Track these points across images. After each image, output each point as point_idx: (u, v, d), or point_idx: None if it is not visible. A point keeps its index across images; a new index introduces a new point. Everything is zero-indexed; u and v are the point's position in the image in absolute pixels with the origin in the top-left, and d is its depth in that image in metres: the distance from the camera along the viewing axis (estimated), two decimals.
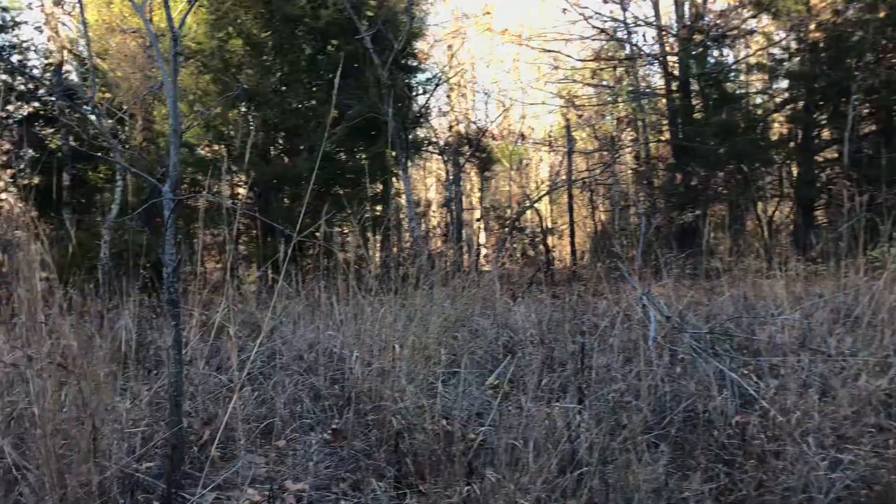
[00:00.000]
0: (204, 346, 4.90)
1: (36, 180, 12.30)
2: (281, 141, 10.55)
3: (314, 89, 9.99)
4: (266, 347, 5.38)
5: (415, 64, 12.71)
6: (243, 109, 10.19)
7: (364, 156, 10.40)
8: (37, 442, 3.28)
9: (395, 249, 10.53)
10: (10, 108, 11.71)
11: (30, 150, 11.87)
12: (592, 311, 7.27)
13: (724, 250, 10.12)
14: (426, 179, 22.06)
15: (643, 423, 3.83)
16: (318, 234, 8.12)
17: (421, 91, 13.21)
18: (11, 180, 12.27)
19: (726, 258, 8.87)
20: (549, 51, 14.61)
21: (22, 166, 11.99)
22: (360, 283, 6.71)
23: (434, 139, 14.07)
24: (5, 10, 10.70)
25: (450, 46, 16.61)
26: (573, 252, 16.52)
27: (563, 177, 15.70)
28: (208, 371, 4.69)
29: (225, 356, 5.17)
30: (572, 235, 16.57)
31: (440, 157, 14.95)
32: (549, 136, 17.08)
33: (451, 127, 15.26)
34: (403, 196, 9.58)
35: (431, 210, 19.44)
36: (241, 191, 10.28)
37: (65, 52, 10.81)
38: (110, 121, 9.34)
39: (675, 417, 4.14)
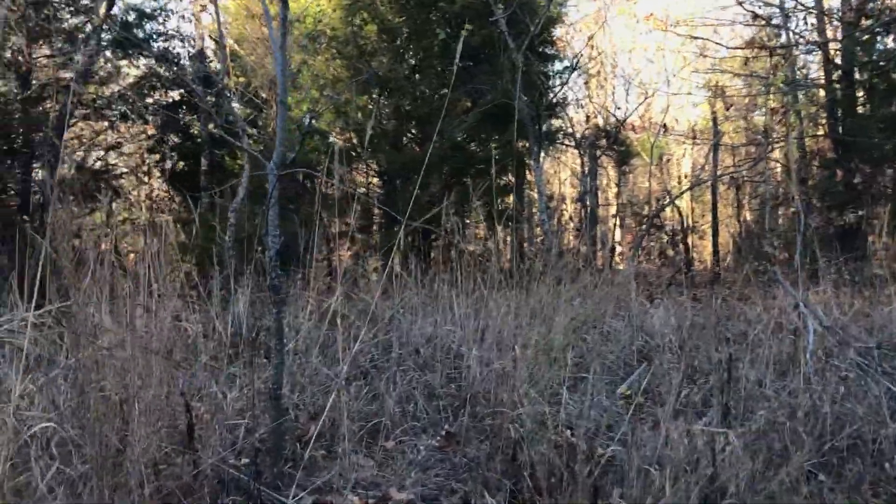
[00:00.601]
0: (319, 335, 4.69)
1: (180, 165, 12.77)
2: (412, 129, 10.36)
3: (446, 76, 9.72)
4: (381, 339, 5.13)
5: (552, 51, 12.23)
6: (375, 96, 10.04)
7: (495, 145, 10.04)
8: (137, 430, 3.13)
9: (524, 244, 10.16)
10: (157, 95, 12.17)
11: (173, 137, 12.32)
12: (739, 318, 6.62)
13: (891, 255, 9.10)
14: (560, 173, 21.52)
15: (800, 450, 3.27)
16: (445, 224, 7.84)
17: (557, 80, 12.72)
18: (156, 165, 12.81)
19: (893, 264, 7.94)
20: (697, 38, 13.73)
21: (166, 152, 12.51)
22: (484, 276, 6.40)
23: (570, 130, 13.54)
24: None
25: (591, 37, 16.05)
26: (716, 253, 15.55)
27: (708, 172, 14.77)
28: (322, 361, 4.47)
29: (343, 344, 4.96)
30: (715, 235, 15.61)
31: (576, 149, 14.41)
32: (694, 129, 16.12)
33: (587, 118, 14.67)
34: (535, 188, 9.15)
35: (564, 204, 18.92)
36: (372, 179, 10.20)
37: (206, 39, 11.06)
38: (236, 107, 9.42)
39: (838, 444, 3.58)
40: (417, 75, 9.87)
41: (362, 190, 10.74)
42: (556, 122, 13.41)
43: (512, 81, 8.52)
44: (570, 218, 14.08)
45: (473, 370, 4.55)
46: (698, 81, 15.57)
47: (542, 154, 9.69)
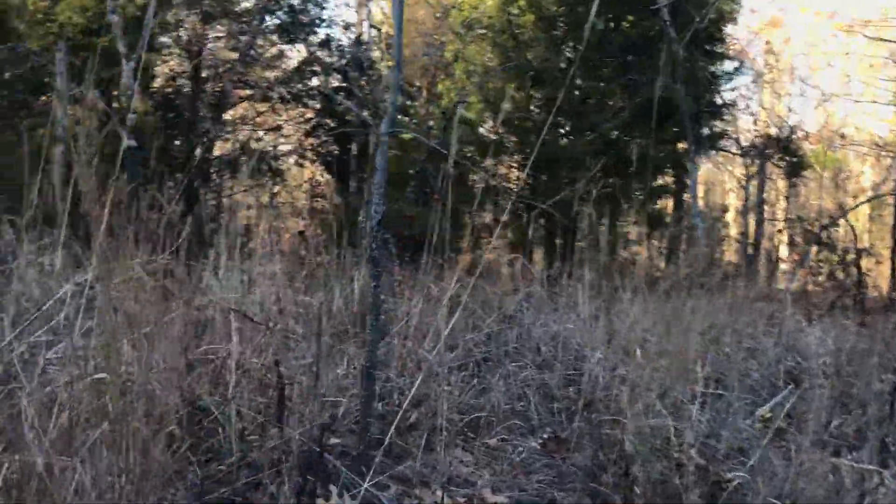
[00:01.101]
0: (434, 322, 4.49)
1: (334, 150, 13.02)
2: (563, 122, 10.00)
3: (602, 69, 9.31)
4: (500, 332, 4.87)
5: (720, 49, 11.48)
6: (526, 86, 9.76)
7: (650, 143, 9.51)
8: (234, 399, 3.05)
9: (676, 249, 9.55)
10: (317, 80, 12.44)
11: (329, 121, 12.55)
12: None
13: None
14: (724, 181, 20.38)
15: None
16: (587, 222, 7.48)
17: (725, 81, 11.96)
18: (313, 149, 13.14)
19: None
20: (887, 40, 12.49)
21: (321, 136, 12.80)
22: (627, 279, 6.03)
23: (735, 136, 12.70)
24: None
25: (768, 42, 15.07)
26: (894, 278, 14.13)
27: (889, 188, 13.43)
28: (434, 348, 4.26)
29: (459, 334, 4.74)
30: (894, 258, 14.18)
31: (742, 157, 13.52)
32: (878, 140, 14.72)
33: (755, 122, 13.71)
34: (691, 193, 8.58)
35: (726, 215, 17.87)
36: (517, 173, 9.93)
37: (365, 25, 11.19)
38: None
39: None
40: (571, 67, 9.50)
41: (509, 184, 10.52)
42: (720, 125, 12.64)
43: (672, 76, 8.01)
44: (729, 228, 13.21)
45: (595, 373, 4.22)
46: (887, 88, 14.19)
47: (701, 156, 9.06)
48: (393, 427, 3.37)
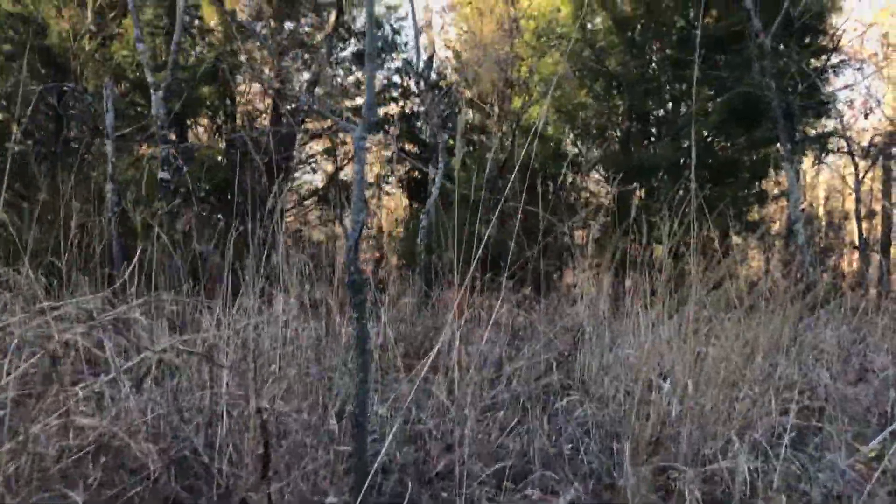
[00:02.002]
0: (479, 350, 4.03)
1: (415, 174, 12.78)
2: (648, 129, 9.38)
3: (688, 69, 8.64)
4: (566, 360, 4.36)
5: (824, 43, 10.56)
6: (604, 93, 9.20)
7: (744, 145, 8.78)
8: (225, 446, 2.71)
9: (776, 261, 8.75)
10: (394, 106, 12.26)
11: (409, 146, 12.32)
12: None
13: None
14: (843, 186, 18.93)
15: None
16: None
17: (829, 77, 10.99)
18: (390, 174, 12.95)
19: None
20: None
21: (397, 160, 12.58)
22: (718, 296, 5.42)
23: (844, 134, 11.66)
24: (390, 8, 11.10)
25: (885, 34, 13.95)
26: None
27: None
28: (476, 381, 3.79)
29: (515, 361, 4.27)
30: None
31: (860, 157, 12.40)
32: None
33: (866, 115, 12.56)
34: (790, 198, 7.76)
35: (843, 220, 16.51)
36: (593, 186, 9.38)
37: (436, 45, 10.92)
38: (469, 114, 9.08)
39: None
40: (653, 70, 8.88)
41: (600, 199, 9.95)
42: (828, 124, 11.65)
43: (760, 71, 7.30)
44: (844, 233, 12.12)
45: (668, 406, 3.66)
46: None
47: (799, 156, 8.23)
48: (419, 480, 2.95)
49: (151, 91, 4.87)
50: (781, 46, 8.68)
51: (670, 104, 9.26)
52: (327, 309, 4.45)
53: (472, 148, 9.64)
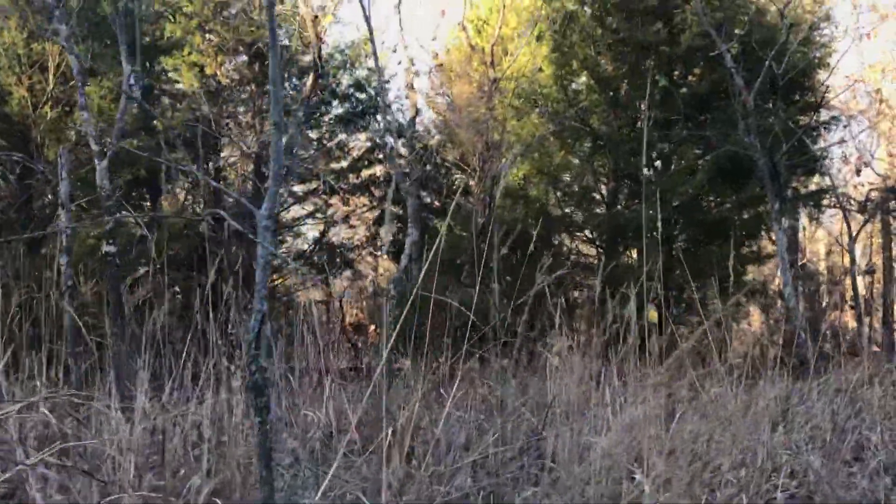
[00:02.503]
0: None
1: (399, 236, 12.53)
2: (630, 188, 9.17)
3: (671, 128, 8.46)
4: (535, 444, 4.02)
5: (811, 99, 10.43)
6: (586, 153, 9.01)
7: (734, 205, 8.55)
8: None
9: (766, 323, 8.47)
10: (378, 168, 12.08)
11: (392, 207, 12.10)
12: None
13: None
14: (838, 241, 18.65)
15: None
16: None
17: (819, 133, 10.86)
18: (374, 238, 12.70)
19: None
20: None
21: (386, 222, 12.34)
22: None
23: (837, 190, 11.44)
24: (371, 70, 11.00)
25: (877, 91, 13.87)
26: None
27: None
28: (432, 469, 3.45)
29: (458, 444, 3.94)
30: None
31: (850, 213, 12.15)
32: None
33: (858, 171, 12.36)
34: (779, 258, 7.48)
35: (842, 276, 16.21)
36: (583, 247, 9.13)
37: (417, 106, 10.78)
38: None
39: None
40: (638, 129, 8.70)
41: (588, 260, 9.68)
42: (822, 181, 11.46)
43: (745, 130, 7.10)
44: (840, 290, 11.81)
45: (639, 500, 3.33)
46: None
47: (786, 218, 7.97)
48: None
49: (96, 161, 4.65)
50: (770, 104, 8.53)
51: (659, 163, 9.07)
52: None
53: (458, 209, 9.42)
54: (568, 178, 8.88)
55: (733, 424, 4.47)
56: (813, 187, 11.50)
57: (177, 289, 7.14)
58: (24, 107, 6.20)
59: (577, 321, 8.32)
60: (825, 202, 11.50)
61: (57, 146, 6.17)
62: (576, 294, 8.85)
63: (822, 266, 17.79)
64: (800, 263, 15.83)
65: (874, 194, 12.84)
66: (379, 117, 10.70)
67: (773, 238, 11.03)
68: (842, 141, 15.71)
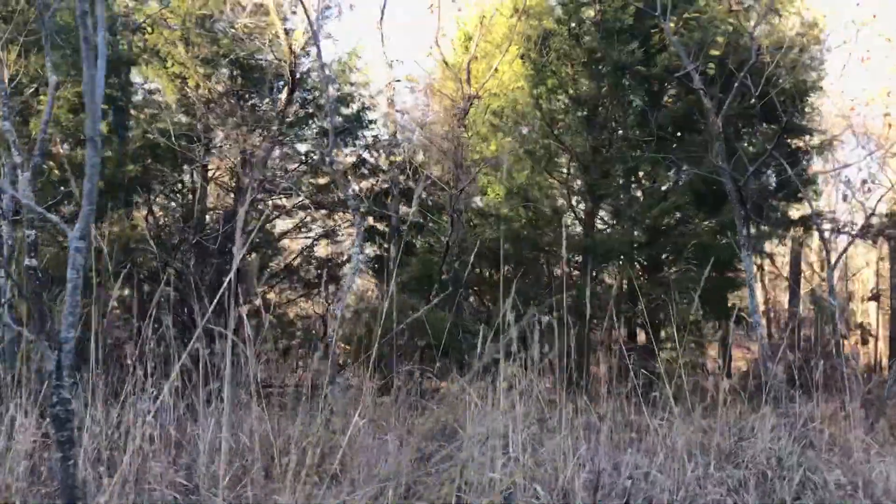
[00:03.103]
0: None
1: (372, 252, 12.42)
2: (604, 209, 9.01)
3: (641, 149, 8.29)
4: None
5: (802, 123, 10.25)
6: (564, 172, 8.85)
7: (703, 229, 8.35)
8: None
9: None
10: (364, 184, 11.97)
11: (372, 223, 11.98)
12: None
13: None
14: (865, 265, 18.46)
15: None
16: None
17: (808, 157, 10.71)
18: (359, 252, 12.57)
19: None
20: None
21: (365, 240, 12.22)
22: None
23: (827, 215, 11.23)
24: (353, 84, 10.92)
25: (886, 114, 13.60)
26: None
27: None
28: None
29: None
30: None
31: (816, 232, 11.92)
32: None
33: (852, 198, 12.10)
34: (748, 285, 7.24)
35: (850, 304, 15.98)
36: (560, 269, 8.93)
37: (396, 125, 10.67)
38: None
39: None
40: (611, 149, 8.54)
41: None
42: (811, 206, 11.23)
43: (714, 153, 6.93)
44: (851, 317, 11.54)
45: None
46: None
47: (753, 241, 7.74)
48: None
49: (18, 172, 4.56)
50: (750, 128, 8.37)
51: (636, 185, 8.91)
52: None
53: (430, 226, 9.29)
54: (541, 198, 8.71)
55: (675, 461, 4.31)
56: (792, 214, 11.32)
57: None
58: None
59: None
60: (827, 227, 11.25)
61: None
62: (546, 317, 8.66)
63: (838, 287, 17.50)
64: (810, 288, 15.55)
65: (875, 220, 12.58)
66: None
67: (762, 263, 10.85)
68: (845, 166, 15.47)
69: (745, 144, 8.17)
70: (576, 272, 8.70)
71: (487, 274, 9.00)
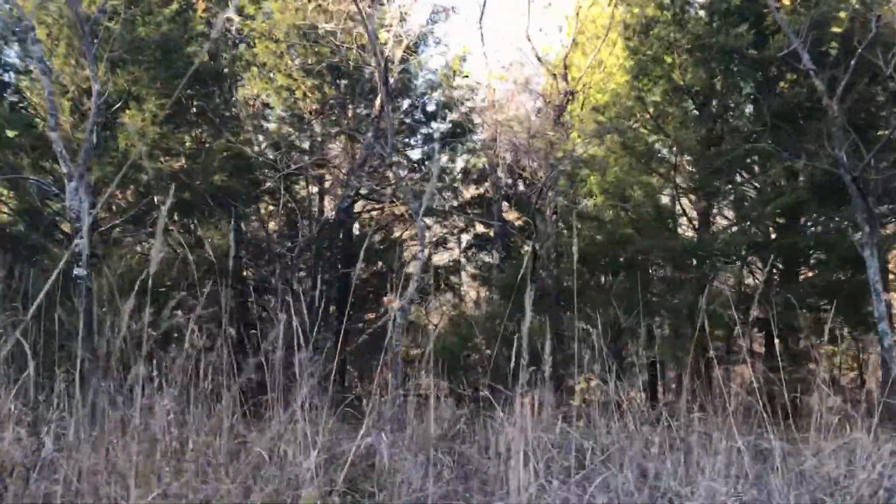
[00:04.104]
0: None
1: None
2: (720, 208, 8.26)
3: (753, 139, 7.48)
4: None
5: None
6: (667, 169, 8.17)
7: (822, 228, 7.48)
8: None
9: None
10: (475, 189, 11.70)
11: (482, 230, 11.68)
12: None
13: None
14: None
15: None
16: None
17: None
18: (467, 260, 12.32)
19: None
20: None
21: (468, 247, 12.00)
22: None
23: None
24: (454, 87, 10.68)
25: None
26: None
27: None
28: None
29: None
30: None
31: None
32: None
33: None
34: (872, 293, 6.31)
35: None
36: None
37: (497, 126, 10.30)
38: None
39: None
40: (721, 143, 7.79)
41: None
42: None
43: (831, 142, 6.16)
44: None
45: None
46: None
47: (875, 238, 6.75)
48: None
49: (66, 181, 4.60)
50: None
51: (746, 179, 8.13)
52: None
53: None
54: (643, 197, 8.02)
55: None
56: None
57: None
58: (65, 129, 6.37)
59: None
60: None
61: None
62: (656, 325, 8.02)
63: None
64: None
65: None
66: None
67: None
68: None
69: (877, 132, 7.24)
70: (686, 276, 8.00)
71: (591, 280, 8.46)
